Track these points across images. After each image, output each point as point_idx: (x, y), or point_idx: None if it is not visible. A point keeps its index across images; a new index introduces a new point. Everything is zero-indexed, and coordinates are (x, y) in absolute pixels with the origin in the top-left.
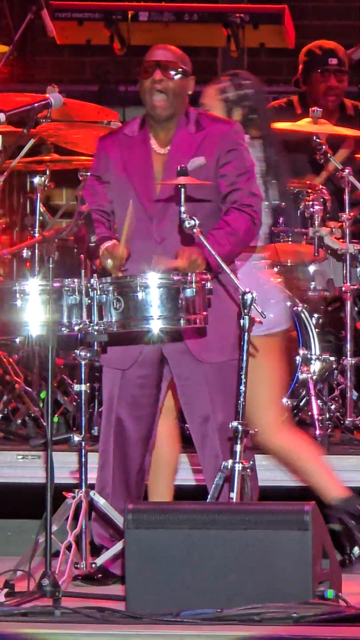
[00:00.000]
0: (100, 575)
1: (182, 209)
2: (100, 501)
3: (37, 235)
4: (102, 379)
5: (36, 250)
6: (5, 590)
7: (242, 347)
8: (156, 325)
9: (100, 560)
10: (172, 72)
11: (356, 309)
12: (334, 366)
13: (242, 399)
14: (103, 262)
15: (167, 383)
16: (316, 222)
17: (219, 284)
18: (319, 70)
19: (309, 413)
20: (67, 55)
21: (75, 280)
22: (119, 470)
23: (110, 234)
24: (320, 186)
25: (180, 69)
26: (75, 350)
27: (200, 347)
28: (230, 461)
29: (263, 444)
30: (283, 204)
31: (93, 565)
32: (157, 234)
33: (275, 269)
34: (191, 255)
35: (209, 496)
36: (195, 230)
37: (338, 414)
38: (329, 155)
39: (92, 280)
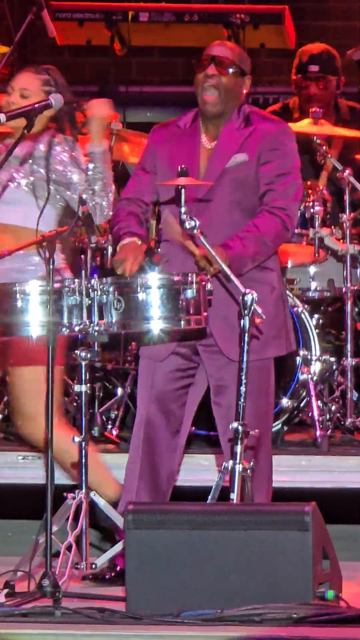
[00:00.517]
0: (113, 574)
1: (182, 209)
2: (101, 502)
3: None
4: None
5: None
6: (6, 590)
7: (242, 348)
8: (157, 325)
9: (100, 561)
10: (227, 69)
11: (356, 309)
12: (334, 367)
13: (242, 400)
14: (115, 262)
15: (200, 390)
16: (316, 223)
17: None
18: (302, 77)
19: (310, 414)
20: (67, 55)
21: (76, 280)
22: (145, 478)
23: (135, 231)
24: (321, 187)
25: (235, 66)
26: (76, 351)
27: (231, 346)
28: (230, 462)
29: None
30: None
31: (93, 566)
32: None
33: None
34: (209, 252)
35: (209, 497)
36: (195, 231)
37: (338, 414)
38: (328, 155)
39: (92, 281)
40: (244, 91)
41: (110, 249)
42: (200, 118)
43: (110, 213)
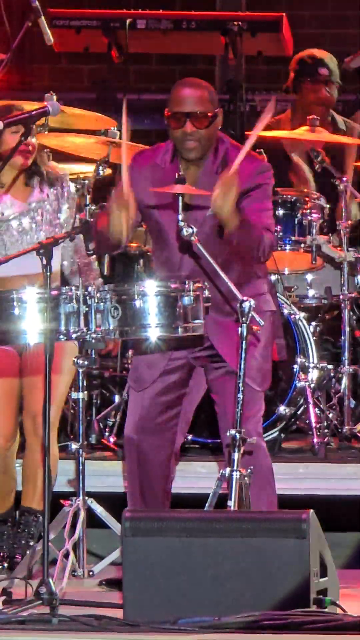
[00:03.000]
0: None
1: (180, 216)
2: (98, 509)
3: None
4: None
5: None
6: (3, 597)
7: (240, 355)
8: (154, 333)
9: (98, 568)
10: (204, 122)
11: (354, 317)
12: (331, 374)
13: (239, 407)
14: (111, 206)
15: (196, 395)
16: (314, 231)
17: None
18: (309, 80)
19: (307, 421)
20: (64, 63)
21: (73, 288)
22: (143, 496)
23: None
24: (319, 194)
25: (210, 116)
26: (73, 358)
27: (233, 355)
28: (228, 469)
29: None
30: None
31: (90, 573)
32: (183, 269)
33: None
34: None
35: (206, 504)
36: (193, 238)
37: (336, 422)
38: (325, 162)
39: (89, 288)
40: (219, 126)
41: (107, 257)
42: (179, 157)
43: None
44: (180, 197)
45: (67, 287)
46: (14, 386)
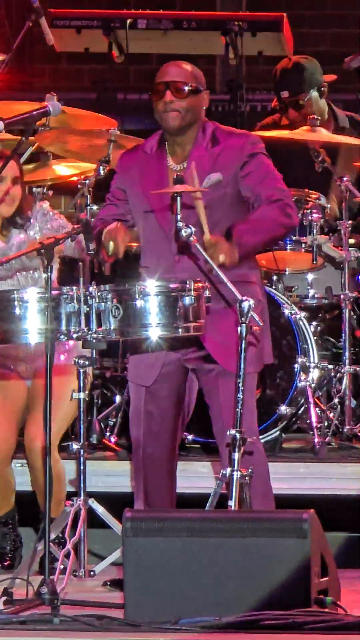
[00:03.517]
0: None
1: (178, 217)
2: (99, 509)
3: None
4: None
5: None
6: (4, 598)
7: (239, 355)
8: (154, 333)
9: (99, 568)
10: (183, 92)
11: (354, 316)
12: (332, 374)
13: (239, 407)
14: (105, 243)
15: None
16: (314, 230)
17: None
18: (279, 101)
19: (308, 421)
20: (65, 63)
21: (74, 288)
22: (148, 499)
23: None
24: (319, 194)
25: (191, 88)
26: (74, 358)
27: (228, 358)
28: (228, 469)
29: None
30: None
31: (92, 573)
32: (175, 252)
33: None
34: (221, 239)
35: (207, 504)
36: (191, 238)
37: (336, 421)
38: (326, 163)
39: (90, 288)
40: (204, 107)
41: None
42: (166, 141)
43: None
44: (178, 198)
45: (67, 287)
46: (18, 417)
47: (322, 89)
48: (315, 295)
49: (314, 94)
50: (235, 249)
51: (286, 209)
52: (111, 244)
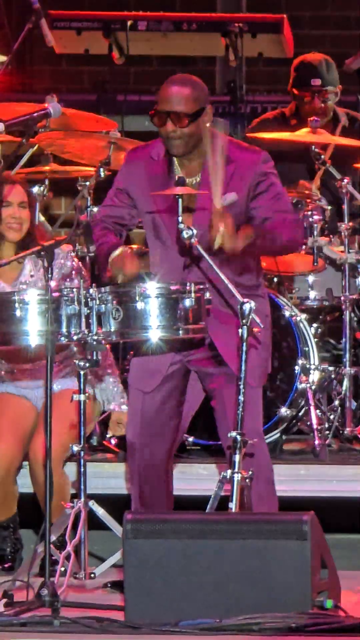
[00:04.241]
0: None
1: (180, 218)
2: (99, 511)
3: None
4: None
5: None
6: (4, 600)
7: (240, 357)
8: (155, 334)
9: (99, 570)
10: (185, 121)
11: (355, 318)
12: (332, 376)
13: (240, 409)
14: (114, 272)
15: (196, 399)
16: (315, 232)
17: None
18: (303, 89)
19: (308, 423)
20: (65, 64)
21: (74, 289)
22: (143, 502)
23: (118, 242)
24: (319, 196)
25: (191, 115)
26: (75, 360)
27: (232, 356)
28: (229, 471)
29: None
30: None
31: (92, 576)
32: (184, 264)
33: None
34: (226, 222)
35: (208, 506)
36: (193, 240)
37: (337, 423)
38: (327, 165)
39: (91, 290)
40: (208, 124)
41: None
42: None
43: None
44: (180, 200)
45: (68, 289)
46: (25, 436)
47: (338, 92)
48: (316, 297)
49: (335, 92)
50: (241, 239)
51: (298, 230)
52: (120, 276)
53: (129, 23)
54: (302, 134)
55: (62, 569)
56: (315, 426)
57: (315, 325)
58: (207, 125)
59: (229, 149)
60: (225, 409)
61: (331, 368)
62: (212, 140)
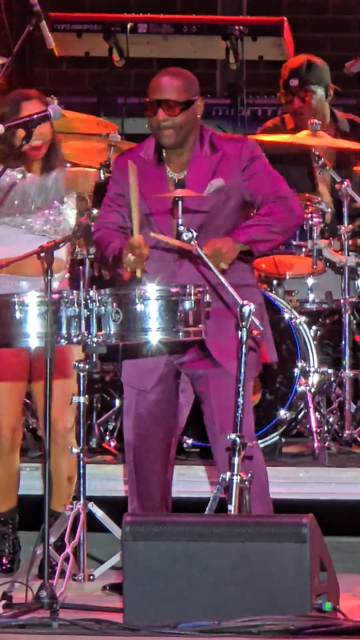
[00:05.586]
0: None
1: (180, 220)
2: (98, 513)
3: None
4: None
5: None
6: (3, 601)
7: (240, 359)
8: (155, 337)
9: (98, 572)
10: (175, 109)
11: (354, 321)
12: (332, 379)
13: (239, 411)
14: (126, 261)
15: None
16: (315, 235)
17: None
18: (285, 92)
19: (307, 425)
20: (65, 67)
21: (74, 291)
22: (141, 501)
23: (122, 240)
24: (319, 199)
25: (183, 103)
26: (74, 362)
27: (229, 360)
28: (228, 473)
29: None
30: None
31: (91, 578)
32: (176, 257)
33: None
34: (216, 244)
35: (207, 508)
36: (193, 242)
37: (336, 426)
38: (326, 167)
39: (90, 292)
40: (199, 115)
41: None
42: (163, 149)
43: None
44: (180, 202)
45: (68, 291)
46: (20, 387)
47: (329, 90)
48: (315, 300)
49: (320, 91)
50: (234, 247)
51: (293, 206)
52: (138, 270)
53: (129, 25)
54: (302, 137)
55: (61, 570)
56: (314, 429)
57: (314, 327)
58: (198, 116)
59: (215, 140)
60: (211, 410)
61: (330, 371)
62: (200, 134)
